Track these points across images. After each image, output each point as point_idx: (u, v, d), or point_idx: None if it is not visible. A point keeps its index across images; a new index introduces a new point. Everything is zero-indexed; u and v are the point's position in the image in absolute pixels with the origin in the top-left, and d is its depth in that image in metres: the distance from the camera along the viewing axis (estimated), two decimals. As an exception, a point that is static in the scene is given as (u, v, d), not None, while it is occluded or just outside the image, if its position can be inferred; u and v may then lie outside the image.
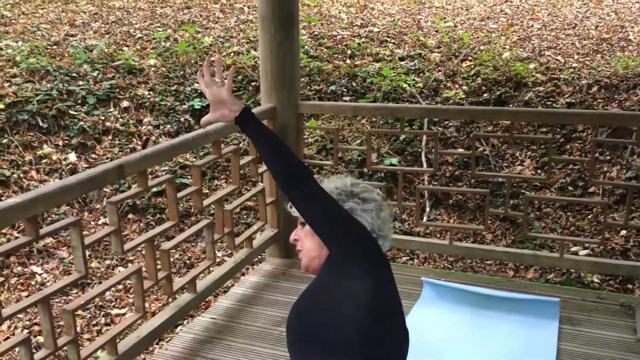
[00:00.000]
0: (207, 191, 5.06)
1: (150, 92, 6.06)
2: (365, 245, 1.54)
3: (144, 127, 5.70)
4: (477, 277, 3.77)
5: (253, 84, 6.15)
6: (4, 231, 4.44)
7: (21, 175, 4.90)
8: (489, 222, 4.74)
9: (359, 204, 1.63)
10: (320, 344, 1.49)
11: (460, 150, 5.29)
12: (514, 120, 3.38)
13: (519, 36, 7.32)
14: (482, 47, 6.84)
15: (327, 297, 1.53)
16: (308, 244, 1.67)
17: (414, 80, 6.14)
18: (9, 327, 3.87)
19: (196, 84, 6.21)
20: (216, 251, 3.14)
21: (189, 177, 5.18)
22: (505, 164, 5.23)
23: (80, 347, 2.29)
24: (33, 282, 4.17)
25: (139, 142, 5.54)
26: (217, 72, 1.77)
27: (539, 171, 5.03)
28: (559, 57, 6.43)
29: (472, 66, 6.30)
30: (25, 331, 3.80)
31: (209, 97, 1.73)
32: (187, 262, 4.58)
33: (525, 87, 5.78)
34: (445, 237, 4.49)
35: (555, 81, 5.82)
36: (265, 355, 2.68)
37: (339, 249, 1.55)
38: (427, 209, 4.99)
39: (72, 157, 5.20)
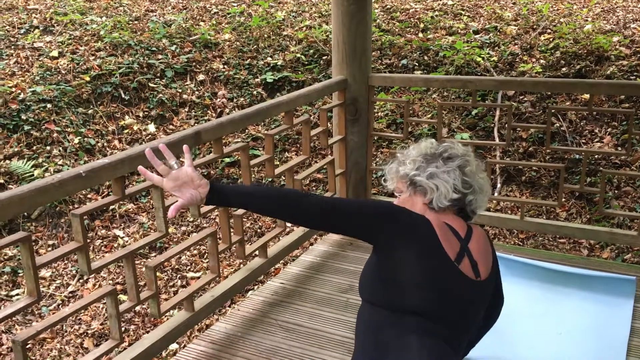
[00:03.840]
0: (278, 163, 5.18)
1: (225, 66, 6.22)
2: (385, 229, 1.62)
3: (218, 99, 5.87)
4: (549, 253, 3.69)
5: (324, 57, 6.19)
6: (89, 196, 4.73)
7: (105, 144, 5.18)
8: (564, 199, 4.61)
9: (440, 166, 1.68)
10: (388, 307, 1.62)
11: (535, 124, 5.14)
12: (593, 92, 3.25)
13: (602, 8, 6.97)
14: (562, 20, 6.57)
15: (379, 271, 1.67)
16: None
17: (488, 54, 6.00)
18: (94, 285, 4.15)
19: (269, 58, 6.31)
20: (286, 220, 3.23)
21: (260, 149, 5.32)
22: (583, 141, 5.04)
23: (160, 303, 2.44)
24: (115, 245, 4.44)
25: (214, 115, 5.71)
26: (167, 157, 1.62)
27: (619, 148, 4.82)
28: (646, 29, 6.09)
29: (551, 39, 6.07)
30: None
31: (168, 185, 1.57)
32: (259, 230, 4.73)
33: (608, 61, 5.53)
34: (517, 214, 4.41)
35: (641, 54, 5.53)
36: (332, 320, 2.76)
37: (368, 239, 1.68)
38: (499, 185, 4.90)
39: (152, 127, 5.44)
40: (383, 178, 1.82)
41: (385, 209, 1.62)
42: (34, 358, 3.52)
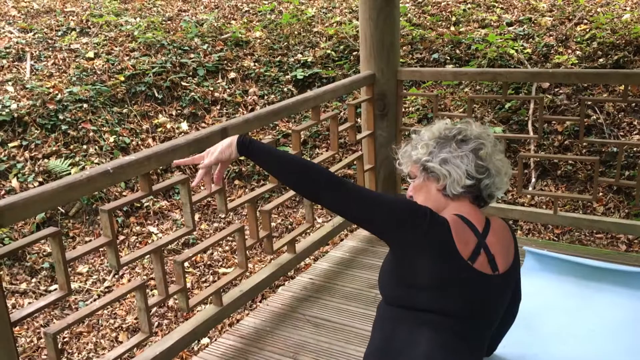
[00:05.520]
0: (308, 159, 5.19)
1: (256, 64, 6.27)
2: (403, 230, 1.58)
3: (249, 97, 5.92)
4: (584, 248, 3.61)
5: (354, 53, 6.17)
6: (124, 193, 4.83)
7: (139, 142, 5.28)
8: (600, 194, 4.50)
9: (453, 150, 1.62)
10: (402, 305, 1.62)
11: (570, 117, 5.02)
12: (628, 83, 3.15)
13: (642, -4, 6.76)
14: (599, 9, 6.40)
15: (394, 270, 1.64)
16: (421, 198, 1.71)
17: (522, 46, 5.88)
18: (129, 280, 4.24)
19: (299, 55, 6.33)
20: (316, 217, 3.24)
21: (291, 145, 5.34)
22: (621, 134, 4.90)
23: (189, 297, 2.48)
24: (149, 241, 4.52)
25: (245, 112, 5.76)
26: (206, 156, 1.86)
27: (659, 141, 4.68)
28: (688, 17, 5.89)
29: (587, 30, 5.92)
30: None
31: (213, 157, 1.82)
32: (289, 227, 4.75)
33: (647, 51, 5.36)
34: (551, 208, 4.32)
35: (682, 43, 5.35)
36: (360, 315, 2.75)
37: (384, 235, 1.63)
38: (533, 180, 4.81)
39: (184, 126, 5.52)
40: (397, 162, 1.78)
41: (408, 207, 1.60)
42: (70, 351, 3.62)
